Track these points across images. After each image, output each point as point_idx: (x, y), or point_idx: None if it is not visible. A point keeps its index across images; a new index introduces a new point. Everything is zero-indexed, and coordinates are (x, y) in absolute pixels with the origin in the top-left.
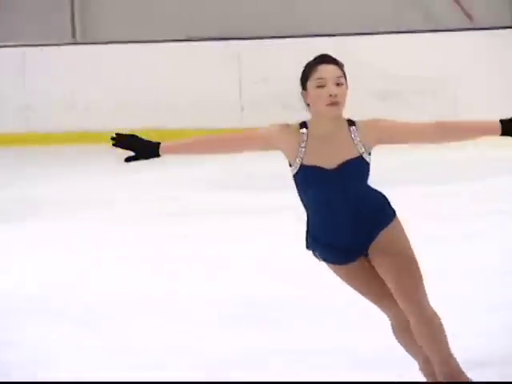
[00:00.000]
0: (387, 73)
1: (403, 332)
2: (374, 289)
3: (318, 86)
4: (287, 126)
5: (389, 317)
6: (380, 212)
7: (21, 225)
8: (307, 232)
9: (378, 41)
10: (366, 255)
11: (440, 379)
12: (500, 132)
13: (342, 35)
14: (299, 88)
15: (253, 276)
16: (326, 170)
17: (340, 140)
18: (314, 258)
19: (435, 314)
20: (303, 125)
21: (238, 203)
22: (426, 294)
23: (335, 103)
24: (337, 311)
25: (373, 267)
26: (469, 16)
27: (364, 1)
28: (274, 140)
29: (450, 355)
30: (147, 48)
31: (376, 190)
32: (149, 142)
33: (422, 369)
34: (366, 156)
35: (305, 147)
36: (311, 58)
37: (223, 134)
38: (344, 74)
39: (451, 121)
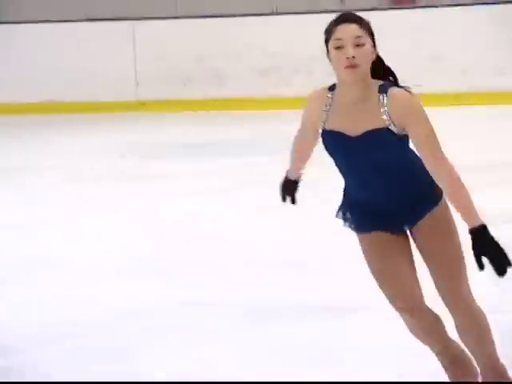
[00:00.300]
0: (268, 51)
1: (422, 331)
2: (395, 272)
3: (337, 48)
4: (316, 92)
5: (397, 310)
6: (426, 189)
7: None
8: (343, 199)
9: (259, 21)
10: (403, 231)
11: (483, 375)
12: (469, 228)
13: (228, 16)
14: (198, 65)
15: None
16: (349, 137)
17: (365, 106)
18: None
19: (480, 310)
20: (332, 87)
21: (153, 168)
22: (470, 290)
23: (353, 66)
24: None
25: (405, 252)
26: None
27: None
28: (309, 119)
29: (495, 355)
30: (51, 27)
31: (423, 165)
32: (283, 182)
33: (437, 355)
34: (393, 128)
35: (328, 111)
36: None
37: (296, 139)
38: (369, 32)
39: (452, 173)
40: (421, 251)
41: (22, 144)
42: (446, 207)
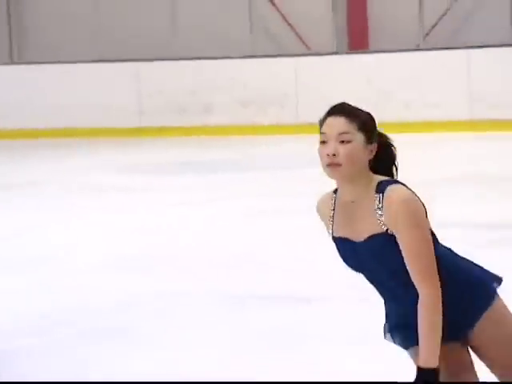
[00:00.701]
0: (248, 87)
1: None
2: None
3: (321, 142)
4: (320, 200)
5: None
6: (472, 289)
7: None
8: (385, 318)
9: (239, 62)
10: (457, 337)
11: None
12: (419, 366)
13: (215, 58)
14: (191, 98)
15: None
16: (354, 243)
17: (364, 208)
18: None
19: None
20: (336, 189)
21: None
22: None
23: (335, 164)
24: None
25: (462, 358)
26: (306, 45)
27: (230, 32)
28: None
29: None
30: (68, 67)
31: (458, 263)
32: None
33: None
34: (392, 232)
35: (333, 216)
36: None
37: None
38: (362, 127)
39: (432, 300)
40: (482, 355)
41: (43, 160)
42: (501, 301)
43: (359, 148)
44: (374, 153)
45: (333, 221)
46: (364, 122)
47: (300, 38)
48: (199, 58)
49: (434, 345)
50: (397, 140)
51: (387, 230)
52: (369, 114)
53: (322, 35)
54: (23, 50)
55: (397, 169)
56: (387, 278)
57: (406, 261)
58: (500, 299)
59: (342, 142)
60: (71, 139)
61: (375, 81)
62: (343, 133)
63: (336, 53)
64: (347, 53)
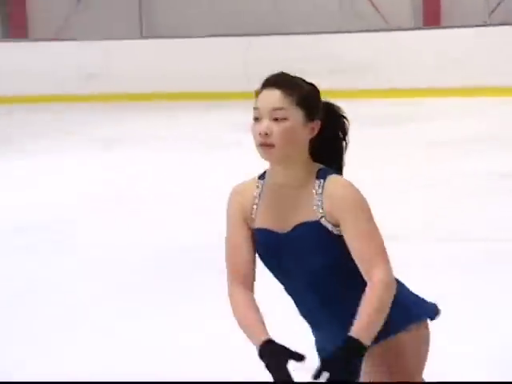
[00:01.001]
0: (338, 57)
1: None
2: None
3: (254, 119)
4: (240, 184)
5: None
6: (393, 309)
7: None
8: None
9: (331, 36)
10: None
11: None
12: (350, 335)
13: (311, 34)
14: (293, 66)
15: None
16: (277, 234)
17: (298, 195)
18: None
19: None
20: (262, 175)
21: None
22: None
23: (268, 145)
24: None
25: None
26: (387, 22)
27: (323, 11)
28: (238, 219)
29: None
30: (187, 41)
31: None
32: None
33: None
34: (326, 223)
35: (257, 204)
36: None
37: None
38: (302, 103)
39: (387, 281)
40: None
41: (163, 118)
42: (422, 337)
43: (297, 126)
44: (316, 131)
45: (257, 210)
46: (304, 95)
47: (382, 16)
48: (300, 34)
49: (375, 327)
50: (462, 102)
51: (321, 218)
52: (312, 85)
53: (400, 13)
54: (151, 27)
55: (346, 147)
56: (303, 285)
57: (357, 247)
58: (422, 332)
59: (276, 119)
60: (187, 102)
61: (446, 52)
62: (277, 109)
63: (413, 28)
64: (422, 28)
